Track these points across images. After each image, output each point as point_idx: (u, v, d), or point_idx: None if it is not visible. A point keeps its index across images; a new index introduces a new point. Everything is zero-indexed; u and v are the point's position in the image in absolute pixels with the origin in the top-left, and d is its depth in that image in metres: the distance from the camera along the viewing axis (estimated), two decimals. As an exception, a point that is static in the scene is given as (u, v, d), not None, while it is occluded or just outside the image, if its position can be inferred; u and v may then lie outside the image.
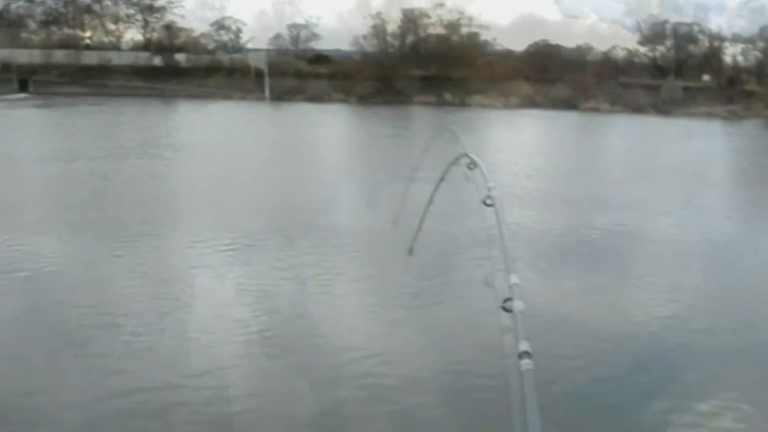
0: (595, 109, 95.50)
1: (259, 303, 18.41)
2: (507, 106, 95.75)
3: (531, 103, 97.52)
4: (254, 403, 13.27)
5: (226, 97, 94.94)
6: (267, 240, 24.93)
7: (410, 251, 10.42)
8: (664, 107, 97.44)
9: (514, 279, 4.29)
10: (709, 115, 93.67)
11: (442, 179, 9.74)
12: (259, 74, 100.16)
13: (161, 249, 23.85)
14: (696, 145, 66.85)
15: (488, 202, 6.08)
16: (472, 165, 7.45)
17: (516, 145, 59.24)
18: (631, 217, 31.01)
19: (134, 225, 26.41)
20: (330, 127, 70.48)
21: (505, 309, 4.10)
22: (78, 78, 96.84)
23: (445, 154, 7.72)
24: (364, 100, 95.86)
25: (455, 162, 8.96)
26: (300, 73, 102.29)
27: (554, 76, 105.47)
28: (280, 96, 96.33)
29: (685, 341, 16.62)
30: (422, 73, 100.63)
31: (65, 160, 41.76)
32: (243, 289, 19.55)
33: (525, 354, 3.57)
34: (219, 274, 21.34)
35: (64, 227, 26.29)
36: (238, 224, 27.13)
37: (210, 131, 60.57)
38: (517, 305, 4.01)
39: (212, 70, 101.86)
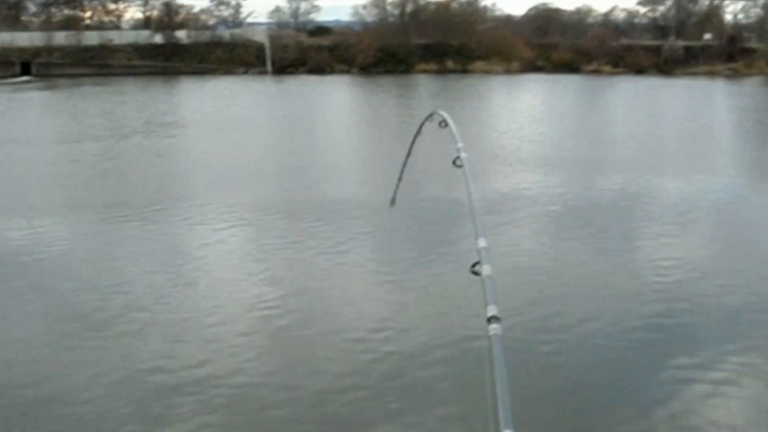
0: (597, 72, 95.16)
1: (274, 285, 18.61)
2: (509, 71, 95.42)
3: (533, 67, 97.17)
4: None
5: (229, 72, 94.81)
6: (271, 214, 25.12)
7: (392, 202, 10.71)
8: (665, 67, 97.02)
9: (482, 243, 4.25)
10: (711, 74, 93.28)
11: (417, 133, 9.84)
12: (260, 48, 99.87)
13: (168, 226, 24.01)
14: (700, 104, 66.75)
15: (458, 163, 6.01)
16: (444, 123, 7.35)
17: (519, 110, 59.13)
18: (635, 180, 31.09)
19: (142, 204, 26.56)
20: (333, 99, 70.38)
21: (474, 272, 4.09)
22: (80, 59, 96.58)
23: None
24: (366, 70, 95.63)
25: (429, 118, 8.99)
26: (301, 45, 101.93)
27: (555, 39, 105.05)
28: (282, 69, 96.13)
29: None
30: (423, 41, 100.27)
31: (71, 141, 41.85)
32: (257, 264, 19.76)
33: (493, 318, 3.52)
34: (234, 243, 21.55)
35: (74, 208, 26.43)
36: (247, 199, 27.32)
37: (213, 107, 60.51)
38: (486, 269, 3.97)
39: (213, 45, 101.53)
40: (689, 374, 13.66)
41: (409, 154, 10.40)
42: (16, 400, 12.65)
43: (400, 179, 10.61)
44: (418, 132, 9.98)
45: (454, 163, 6.08)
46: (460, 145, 6.31)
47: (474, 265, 4.10)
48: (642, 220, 24.87)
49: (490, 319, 3.54)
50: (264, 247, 21.54)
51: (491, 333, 3.45)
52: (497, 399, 3.09)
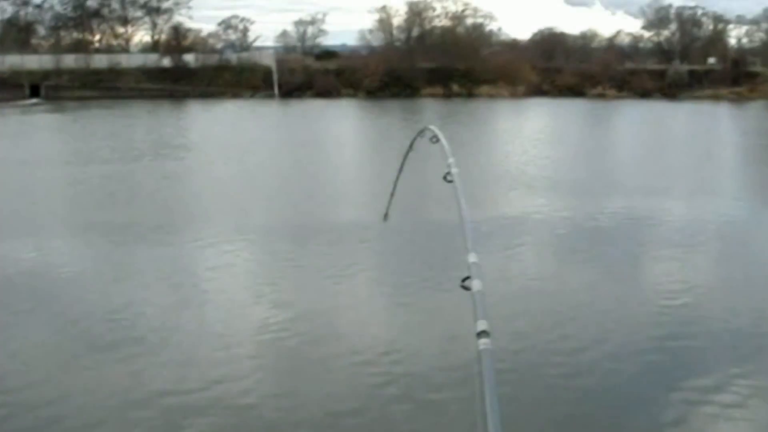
0: (602, 96, 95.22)
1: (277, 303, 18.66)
2: (514, 95, 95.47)
3: (538, 91, 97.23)
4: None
5: (236, 95, 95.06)
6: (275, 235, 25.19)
7: (385, 217, 10.63)
8: (670, 91, 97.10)
9: (472, 258, 4.26)
10: (715, 98, 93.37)
11: (410, 149, 9.84)
12: (267, 72, 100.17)
13: (173, 248, 24.07)
14: (705, 127, 66.81)
15: (449, 178, 5.94)
16: (435, 138, 7.21)
17: (524, 134, 59.20)
18: (643, 203, 31.11)
19: (149, 226, 26.61)
20: (339, 123, 70.56)
21: (464, 287, 4.10)
22: (88, 82, 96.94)
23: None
24: (373, 94, 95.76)
25: (420, 134, 8.98)
26: (308, 69, 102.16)
27: (560, 63, 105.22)
28: (289, 92, 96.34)
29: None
30: (429, 65, 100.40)
31: (79, 163, 41.98)
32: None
33: (483, 333, 3.53)
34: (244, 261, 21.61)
35: (83, 230, 26.51)
36: (253, 221, 27.41)
37: (220, 130, 60.72)
38: (476, 284, 3.96)
39: (221, 69, 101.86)
40: (697, 396, 13.64)
41: (401, 170, 10.39)
42: (27, 422, 12.68)
43: (392, 195, 10.58)
44: (410, 148, 9.97)
45: (444, 178, 5.96)
46: (451, 160, 6.18)
47: (464, 280, 4.10)
48: (647, 243, 24.90)
49: (479, 334, 3.55)
50: (270, 270, 21.63)
51: (481, 348, 3.47)
52: (486, 414, 3.10)
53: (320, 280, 20.39)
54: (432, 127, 7.71)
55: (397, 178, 10.22)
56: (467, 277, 4.11)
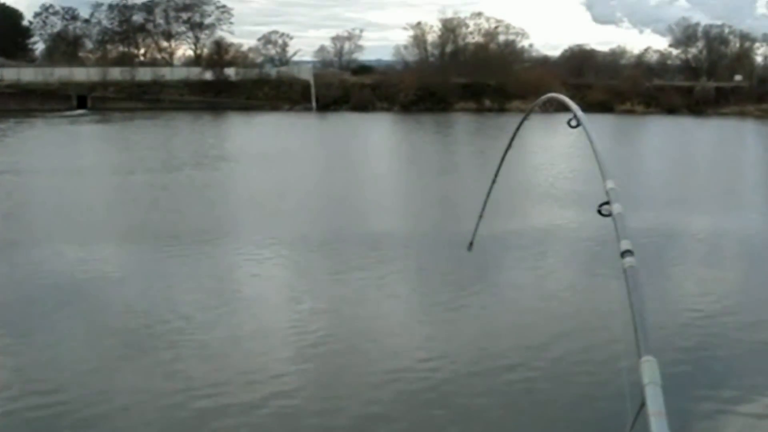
0: (631, 111, 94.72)
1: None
2: (544, 110, 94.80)
3: (567, 107, 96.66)
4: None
5: (275, 108, 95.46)
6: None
7: (470, 246, 8.82)
8: (697, 108, 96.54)
9: (610, 184, 4.24)
10: (742, 114, 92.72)
11: (516, 132, 8.13)
12: (305, 86, 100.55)
13: (220, 255, 24.14)
14: (731, 144, 66.28)
15: (572, 123, 5.45)
16: (574, 122, 5.56)
17: (554, 147, 58.89)
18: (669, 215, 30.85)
19: (192, 233, 26.70)
20: (375, 135, 70.64)
21: (601, 213, 4.08)
22: (133, 93, 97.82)
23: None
24: (407, 108, 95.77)
25: (540, 105, 7.72)
26: (344, 83, 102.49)
27: (590, 80, 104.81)
28: (326, 106, 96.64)
29: None
30: (462, 81, 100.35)
31: (124, 172, 42.25)
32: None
33: (627, 252, 3.59)
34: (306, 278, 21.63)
35: (126, 235, 26.67)
36: (292, 231, 27.45)
37: (260, 141, 60.94)
38: (616, 207, 3.99)
39: (261, 82, 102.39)
40: (725, 407, 13.49)
41: (496, 175, 8.80)
42: (68, 422, 12.75)
43: (478, 224, 8.78)
44: (523, 120, 8.56)
45: (569, 123, 5.11)
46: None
47: (601, 206, 4.10)
48: (674, 256, 24.66)
49: (624, 253, 3.60)
50: (311, 279, 21.59)
51: (626, 266, 3.51)
52: (636, 327, 3.14)
53: (362, 292, 20.38)
54: (561, 96, 6.26)
55: (484, 204, 8.68)
56: (604, 203, 4.10)
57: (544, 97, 7.38)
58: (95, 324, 17.28)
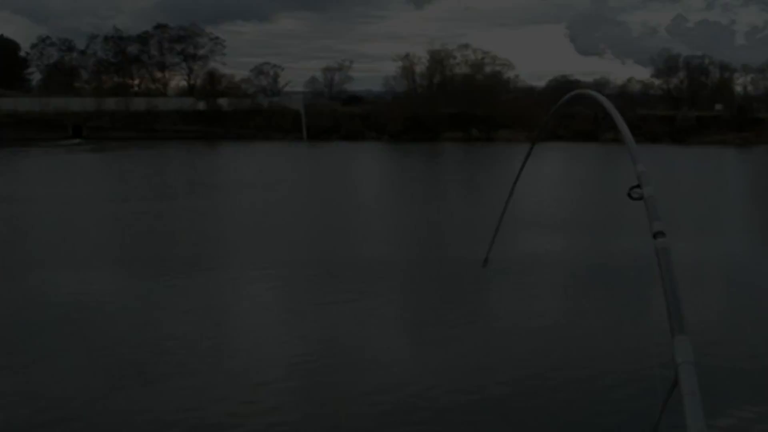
0: (614, 140, 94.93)
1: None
2: (530, 139, 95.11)
3: (553, 135, 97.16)
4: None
5: (266, 137, 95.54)
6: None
7: (485, 262, 8.73)
8: (679, 136, 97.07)
9: (641, 167, 4.25)
10: (723, 143, 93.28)
11: (547, 121, 7.80)
12: (296, 116, 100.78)
13: (213, 283, 24.07)
14: (712, 172, 66.54)
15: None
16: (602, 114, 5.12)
17: (542, 175, 59.01)
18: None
19: (186, 261, 26.64)
20: (364, 165, 70.75)
21: (631, 197, 4.08)
22: (128, 123, 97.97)
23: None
24: (396, 137, 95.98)
25: (566, 100, 6.99)
26: (335, 113, 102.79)
27: (574, 109, 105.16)
28: (316, 135, 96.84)
29: None
30: (450, 111, 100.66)
31: (118, 200, 42.17)
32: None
33: (659, 234, 3.61)
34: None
35: (121, 263, 26.59)
36: (284, 257, 27.39)
37: (252, 170, 60.93)
38: (647, 190, 4.01)
39: (253, 113, 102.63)
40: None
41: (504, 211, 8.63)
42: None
43: (496, 232, 8.77)
44: (549, 118, 8.16)
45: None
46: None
47: (632, 189, 4.09)
48: (657, 282, 24.60)
49: (656, 234, 3.63)
50: (304, 305, 21.49)
51: (659, 246, 3.55)
52: (669, 308, 3.17)
53: (353, 318, 20.33)
54: (590, 91, 5.99)
55: (500, 221, 8.63)
56: (635, 186, 4.10)
57: (572, 93, 6.86)
58: (88, 350, 17.14)
